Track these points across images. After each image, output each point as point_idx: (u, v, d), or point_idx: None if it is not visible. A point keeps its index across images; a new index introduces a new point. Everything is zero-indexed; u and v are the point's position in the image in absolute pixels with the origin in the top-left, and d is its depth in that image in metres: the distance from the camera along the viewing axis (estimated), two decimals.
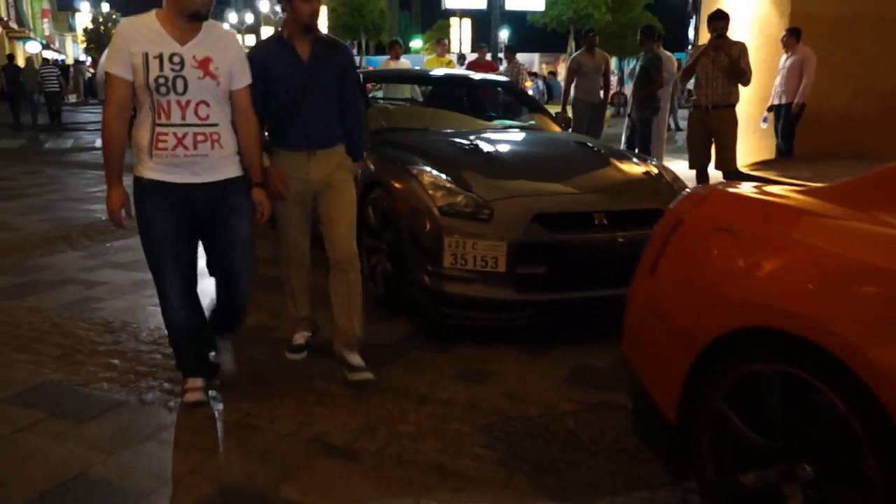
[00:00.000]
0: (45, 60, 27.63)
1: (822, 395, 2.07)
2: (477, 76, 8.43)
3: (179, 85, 3.30)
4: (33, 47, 42.19)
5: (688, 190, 3.08)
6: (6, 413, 3.56)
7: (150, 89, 3.28)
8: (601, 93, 10.80)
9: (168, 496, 2.92)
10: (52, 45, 52.14)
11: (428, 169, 4.79)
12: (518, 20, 38.18)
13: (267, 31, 45.99)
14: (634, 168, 5.27)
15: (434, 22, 48.24)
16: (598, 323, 4.73)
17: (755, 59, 8.26)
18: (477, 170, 4.83)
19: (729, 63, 7.76)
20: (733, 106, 8.04)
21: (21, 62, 25.26)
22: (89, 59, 50.58)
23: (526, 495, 2.97)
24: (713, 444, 2.47)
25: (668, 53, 11.11)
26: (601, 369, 4.24)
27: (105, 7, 56.38)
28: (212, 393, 3.76)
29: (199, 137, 3.37)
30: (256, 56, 3.85)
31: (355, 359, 3.94)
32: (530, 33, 41.09)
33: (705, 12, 13.27)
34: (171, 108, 3.31)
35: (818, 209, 2.40)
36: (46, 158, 14.63)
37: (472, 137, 5.55)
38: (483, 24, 32.40)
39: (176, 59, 3.30)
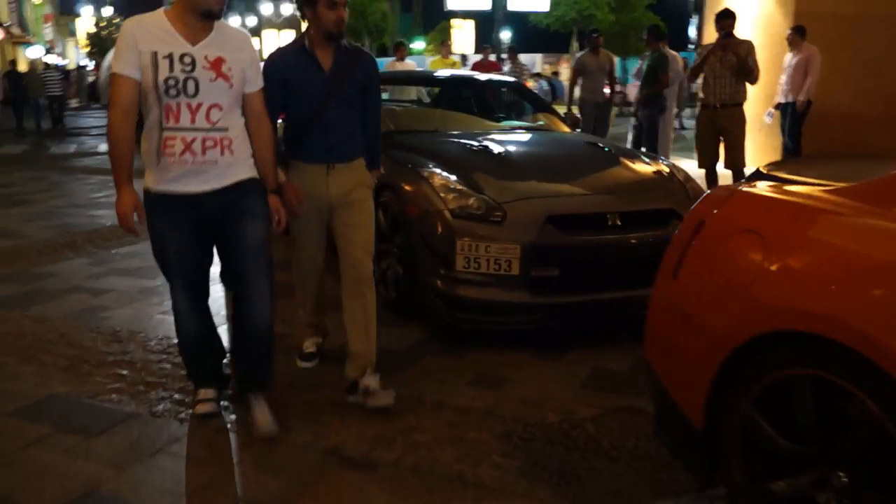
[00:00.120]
0: (47, 65, 27.61)
1: (856, 400, 2.02)
2: (484, 77, 8.37)
3: (190, 87, 3.13)
4: (36, 52, 42.24)
5: (708, 191, 3.01)
6: (14, 427, 3.48)
7: (158, 91, 3.11)
8: (606, 92, 10.79)
9: None
10: (54, 50, 52.17)
11: (438, 171, 4.74)
12: (520, 21, 38.12)
13: (268, 34, 45.99)
14: (646, 168, 5.23)
15: (436, 23, 48.18)
16: (614, 325, 4.69)
17: (759, 57, 8.24)
18: (488, 171, 4.78)
19: (737, 62, 7.78)
20: (741, 104, 8.06)
21: (23, 67, 25.26)
22: (92, 63, 50.56)
23: None
24: (742, 451, 2.41)
25: (674, 52, 11.08)
26: (619, 373, 4.18)
27: (107, 11, 56.36)
28: (223, 403, 3.69)
29: (209, 143, 3.19)
30: (275, 64, 3.72)
31: (374, 382, 3.69)
32: (532, 34, 41.05)
33: (708, 12, 13.26)
34: (181, 111, 3.14)
35: (847, 209, 2.33)
36: (50, 164, 14.56)
37: (481, 139, 5.50)
38: (485, 25, 32.36)
39: (187, 60, 3.12)
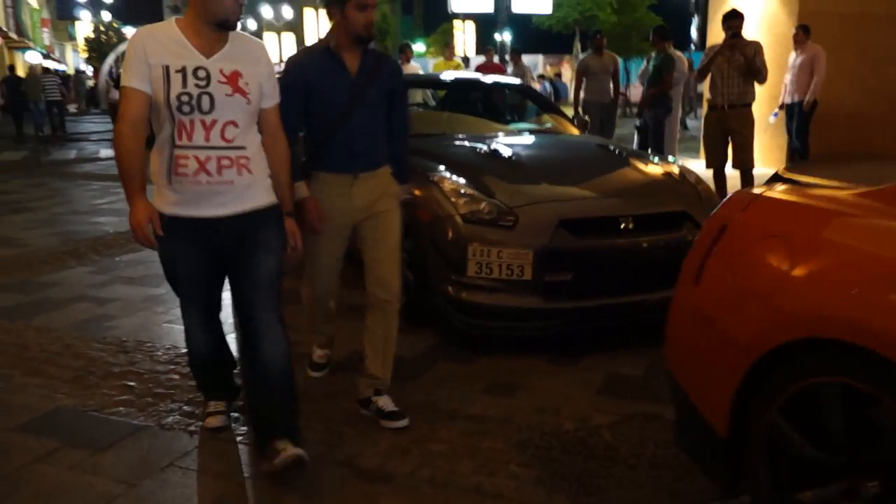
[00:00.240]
0: (46, 70, 27.57)
1: (888, 408, 1.98)
2: (490, 79, 8.30)
3: (205, 103, 2.89)
4: (34, 57, 42.19)
5: (730, 195, 2.96)
6: (20, 443, 3.41)
7: (170, 107, 2.88)
8: (611, 93, 10.75)
9: None
10: (52, 55, 52.14)
11: (448, 175, 4.68)
12: (522, 22, 38.06)
13: (269, 38, 45.98)
14: (657, 170, 5.20)
15: (436, 25, 48.21)
16: (628, 330, 4.65)
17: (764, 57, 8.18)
18: (498, 175, 4.72)
19: (744, 62, 7.76)
20: (749, 105, 8.03)
21: (21, 72, 25.22)
22: (90, 68, 50.52)
23: None
24: (768, 459, 2.36)
25: (679, 53, 11.04)
26: (634, 378, 4.13)
27: (106, 16, 56.32)
28: (234, 415, 3.63)
29: (224, 162, 2.95)
30: (297, 67, 3.54)
31: (388, 404, 3.60)
32: (534, 35, 40.96)
33: (710, 12, 13.22)
34: (195, 128, 2.90)
35: (875, 213, 2.29)
36: (50, 170, 14.50)
37: (490, 142, 5.45)
38: (487, 27, 32.35)
39: (201, 74, 2.90)
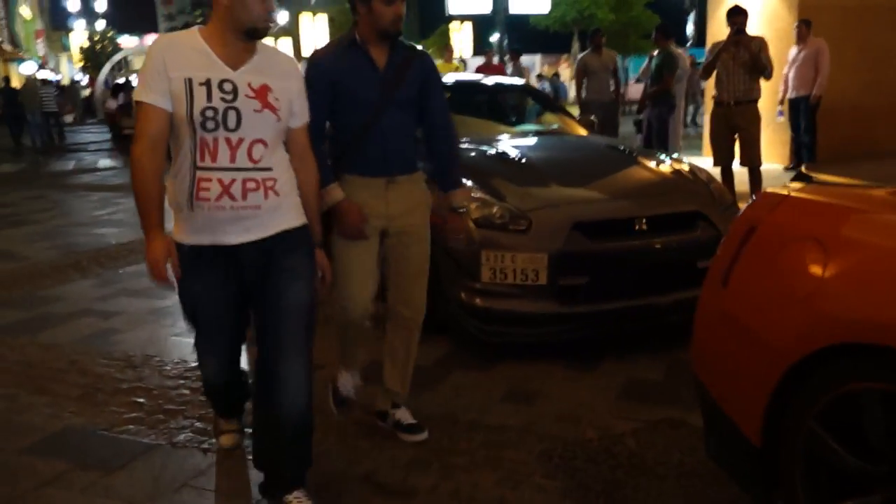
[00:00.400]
0: (45, 81, 27.50)
1: None
2: (494, 80, 8.20)
3: (231, 119, 2.63)
4: (29, 68, 42.11)
5: (755, 195, 2.89)
6: (27, 465, 3.31)
7: (193, 124, 2.61)
8: (612, 91, 10.70)
9: None
10: (46, 66, 52.08)
11: None
12: (520, 22, 38.01)
13: (268, 41, 45.85)
14: (667, 169, 5.14)
15: (433, 27, 48.13)
16: (646, 332, 4.58)
17: None
18: (508, 178, 4.65)
19: (749, 58, 7.70)
20: (755, 101, 7.97)
21: (16, 84, 25.14)
22: (86, 77, 50.42)
23: None
24: (805, 469, 2.28)
25: (681, 50, 10.99)
26: (655, 383, 4.06)
27: (100, 25, 56.23)
28: (248, 430, 3.50)
29: (250, 185, 2.68)
30: (321, 64, 3.28)
31: (406, 416, 3.50)
32: (532, 35, 40.86)
33: (709, 9, 13.15)
34: (219, 147, 2.64)
35: None
36: (49, 182, 14.41)
37: (497, 144, 5.38)
38: (483, 28, 32.29)
39: (227, 87, 2.64)
